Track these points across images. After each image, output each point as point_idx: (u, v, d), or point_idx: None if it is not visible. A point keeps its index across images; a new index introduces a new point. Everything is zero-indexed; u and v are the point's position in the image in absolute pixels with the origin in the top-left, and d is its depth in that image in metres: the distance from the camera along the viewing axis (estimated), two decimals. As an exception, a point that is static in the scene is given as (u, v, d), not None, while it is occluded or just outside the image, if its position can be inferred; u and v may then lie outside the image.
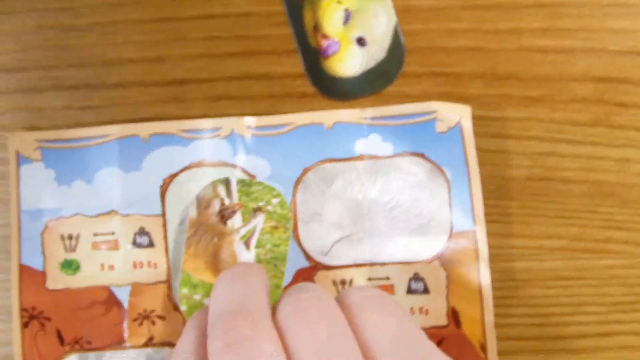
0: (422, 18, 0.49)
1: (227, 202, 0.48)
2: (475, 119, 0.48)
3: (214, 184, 0.48)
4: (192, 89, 0.48)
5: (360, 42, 0.49)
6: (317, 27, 0.49)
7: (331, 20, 0.49)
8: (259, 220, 0.47)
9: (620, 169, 0.48)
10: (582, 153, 0.48)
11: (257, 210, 0.47)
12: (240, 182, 0.48)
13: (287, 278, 0.47)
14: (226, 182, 0.48)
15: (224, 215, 0.48)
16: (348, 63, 0.49)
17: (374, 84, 0.48)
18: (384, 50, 0.49)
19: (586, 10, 0.49)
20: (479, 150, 0.48)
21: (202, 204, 0.48)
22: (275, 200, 0.47)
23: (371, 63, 0.49)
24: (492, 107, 0.48)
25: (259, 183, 0.48)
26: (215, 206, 0.48)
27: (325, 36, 0.49)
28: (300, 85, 0.49)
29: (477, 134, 0.48)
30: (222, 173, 0.48)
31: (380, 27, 0.49)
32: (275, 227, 0.47)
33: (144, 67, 0.49)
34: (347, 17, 0.49)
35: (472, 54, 0.49)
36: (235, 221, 0.48)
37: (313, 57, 0.49)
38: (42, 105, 0.48)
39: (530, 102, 0.48)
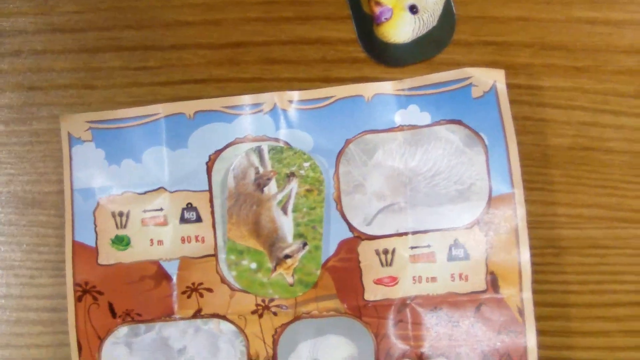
0: (472, -13, 0.50)
1: (261, 170, 0.49)
2: (522, 87, 0.49)
3: (247, 154, 0.49)
4: (247, 51, 0.49)
5: (413, 9, 0.49)
6: (370, -6, 0.50)
7: (383, -13, 0.49)
8: (293, 185, 0.49)
9: (662, 141, 0.49)
10: (625, 124, 0.49)
11: (291, 175, 0.49)
12: (272, 149, 0.49)
13: (331, 248, 0.49)
14: (259, 151, 0.49)
15: (260, 183, 0.49)
16: (400, 30, 0.49)
17: (425, 51, 0.49)
18: (436, 18, 0.49)
19: (635, -17, 0.49)
20: (524, 118, 0.49)
21: (239, 174, 0.49)
22: (306, 164, 0.48)
23: (423, 30, 0.49)
24: (539, 77, 0.49)
25: (290, 149, 0.49)
26: (251, 175, 0.49)
27: (378, 3, 0.49)
28: (353, 51, 0.49)
29: (522, 103, 0.49)
30: (266, 148, 0.50)
31: (431, -6, 0.49)
32: (309, 190, 0.49)
33: (201, 29, 0.50)
34: (399, -15, 0.49)
35: (521, 23, 0.49)
36: (271, 188, 0.49)
37: (366, 24, 0.50)
38: (99, 65, 0.50)
39: (577, 72, 0.49)
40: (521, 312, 0.47)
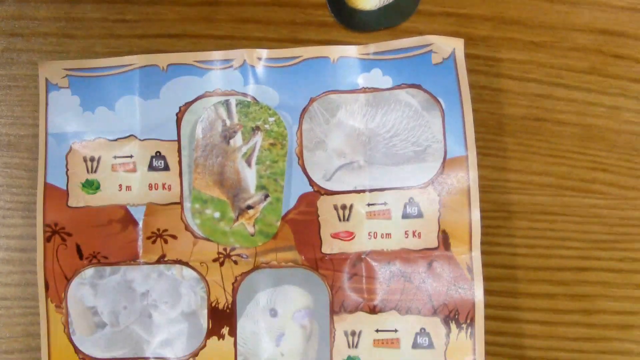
0: (439, -38, 0.52)
1: (228, 123, 0.51)
2: (480, 58, 0.51)
3: (215, 106, 0.51)
4: (220, 10, 0.51)
5: (380, -21, 0.52)
6: (340, -37, 0.52)
7: (354, -42, 0.52)
8: (258, 138, 0.51)
9: (611, 116, 0.51)
10: (576, 98, 0.51)
11: (256, 129, 0.51)
12: (239, 103, 0.51)
13: (292, 201, 0.51)
14: (226, 105, 0.51)
15: (226, 135, 0.51)
16: (367, -2, 0.52)
17: (390, 19, 0.51)
18: (401, -11, 0.52)
19: (593, -34, 0.52)
20: (481, 88, 0.51)
21: (206, 126, 0.51)
22: (271, 119, 0.50)
23: (389, -1, 0.52)
24: (497, 49, 0.51)
25: (256, 104, 0.51)
26: (218, 127, 0.51)
27: (347, -29, 0.52)
28: (322, 15, 0.52)
29: (480, 73, 0.51)
30: (237, 97, 0.52)
31: (399, -33, 0.52)
32: (273, 144, 0.51)
33: (177, -13, 0.52)
34: (369, -44, 0.52)
35: (483, -2, 0.52)
36: (237, 140, 0.51)
37: (334, -10, 0.52)
38: (79, 15, 0.52)
39: (533, 47, 0.51)
40: (470, 269, 0.49)
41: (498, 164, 0.51)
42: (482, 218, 0.50)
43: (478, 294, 0.49)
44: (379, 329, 0.50)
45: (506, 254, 0.51)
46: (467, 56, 0.50)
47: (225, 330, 0.50)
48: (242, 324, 0.50)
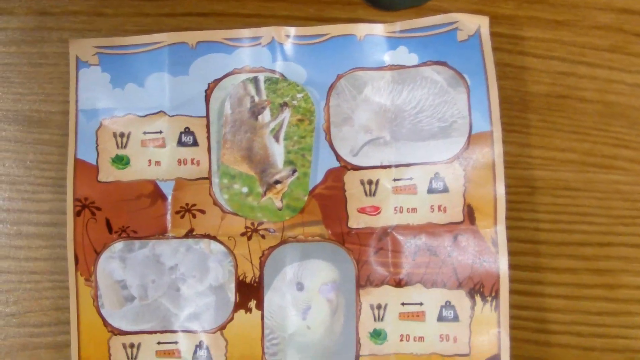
0: (463, -58, 0.53)
1: (256, 99, 0.51)
2: (504, 36, 0.52)
3: (244, 83, 0.51)
4: (247, -12, 0.52)
5: (406, -41, 0.52)
6: (365, -56, 0.52)
7: (379, -62, 0.52)
8: (286, 115, 0.51)
9: (633, 93, 0.52)
10: (599, 76, 0.52)
11: (284, 105, 0.51)
12: (268, 79, 0.51)
13: (319, 176, 0.51)
14: (255, 81, 0.51)
15: (255, 111, 0.51)
16: (393, -23, 0.52)
17: (415, -2, 0.52)
18: (426, -32, 0.52)
19: (615, -54, 0.52)
20: (505, 65, 0.51)
21: (235, 102, 0.51)
22: (299, 95, 0.51)
23: (415, -22, 0.52)
24: (520, 27, 0.52)
25: (284, 80, 0.51)
26: (247, 104, 0.51)
27: (373, -48, 0.52)
28: (348, -6, 0.53)
29: (504, 51, 0.51)
30: (265, 73, 0.52)
31: (424, -53, 0.52)
32: (300, 120, 0.51)
33: (205, -34, 0.53)
34: None
35: (506, -22, 0.52)
36: (265, 116, 0.51)
37: (360, -30, 0.53)
38: (109, -7, 0.53)
39: (556, 25, 0.52)
40: (495, 243, 0.50)
41: (522, 140, 0.51)
42: (506, 193, 0.50)
43: (503, 267, 0.49)
44: (405, 302, 0.50)
45: (530, 229, 0.51)
46: (492, 34, 0.51)
47: (252, 304, 0.51)
48: (269, 298, 0.51)
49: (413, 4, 0.52)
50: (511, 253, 0.50)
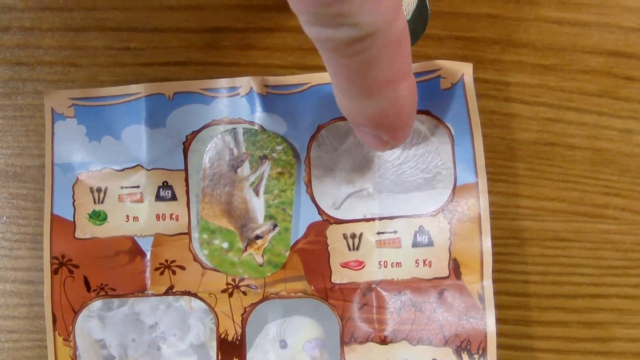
0: (446, -15, 0.50)
1: (235, 152, 0.49)
2: (489, 82, 0.49)
3: (222, 135, 0.49)
4: (226, 37, 0.50)
5: (387, 4, 0.50)
6: (346, -12, 0.50)
7: (360, -18, 0.50)
8: (266, 168, 0.49)
9: (623, 139, 0.49)
10: (587, 121, 0.49)
11: (264, 157, 0.49)
12: (247, 131, 0.49)
13: (301, 231, 0.49)
14: (234, 133, 0.49)
15: (234, 164, 0.49)
16: (373, 23, 0.50)
17: (396, 45, 0.50)
18: (410, 13, 0.50)
19: (603, -13, 0.50)
20: (491, 112, 0.49)
21: (214, 155, 0.49)
22: (279, 147, 0.49)
23: (395, 25, 0.50)
24: (506, 72, 0.49)
25: (264, 132, 0.49)
26: (226, 156, 0.49)
27: (353, -4, 0.50)
28: (327, 41, 0.50)
29: (490, 97, 0.49)
30: (242, 127, 0.50)
31: (406, -9, 0.50)
32: (281, 173, 0.49)
33: (183, 13, 0.50)
34: (376, -20, 0.50)
35: (491, 20, 0.50)
36: (244, 169, 0.49)
37: (341, 16, 0.50)
38: (84, 44, 0.50)
39: (543, 70, 0.50)
40: (482, 298, 0.48)
41: (509, 189, 0.49)
42: (493, 245, 0.48)
43: (490, 324, 0.47)
44: (390, 359, 0.48)
45: (518, 282, 0.49)
46: (476, 80, 0.49)
47: (234, 362, 0.49)
48: (251, 356, 0.49)
49: (395, 50, 0.50)
50: (499, 306, 0.48)
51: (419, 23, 0.50)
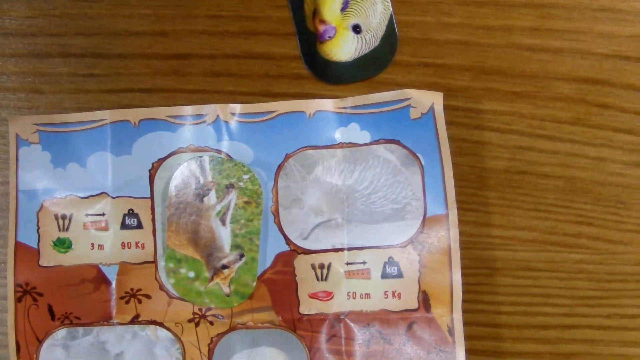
0: (417, 10, 0.47)
1: (201, 180, 0.47)
2: (460, 110, 0.47)
3: (188, 164, 0.46)
4: (192, 63, 0.47)
5: (356, 29, 0.47)
6: (316, 12, 0.48)
7: (330, 7, 0.47)
8: (232, 197, 0.46)
9: (596, 167, 0.47)
10: (560, 149, 0.47)
11: (230, 187, 0.46)
12: (213, 160, 0.46)
13: (268, 261, 0.46)
14: (200, 162, 0.47)
15: (200, 193, 0.47)
16: (343, 48, 0.47)
17: (366, 71, 0.47)
18: (378, 39, 0.47)
19: (576, 13, 0.47)
20: (462, 140, 0.46)
21: (180, 183, 0.46)
22: (245, 177, 0.46)
23: (365, 50, 0.47)
24: (477, 100, 0.47)
25: (230, 160, 0.46)
26: (192, 185, 0.47)
27: (323, 21, 0.47)
28: (296, 68, 0.47)
29: (461, 125, 0.46)
30: (208, 157, 0.47)
31: (376, 16, 0.47)
32: (247, 202, 0.46)
33: (148, 39, 0.47)
34: (345, 5, 0.47)
35: (462, 47, 0.47)
36: (211, 198, 0.46)
37: (310, 41, 0.48)
38: (48, 70, 0.47)
39: (515, 97, 0.47)
40: (451, 331, 0.45)
41: (480, 219, 0.47)
42: (464, 275, 0.45)
43: (460, 358, 0.45)
44: (359, 392, 0.46)
45: (489, 312, 0.46)
46: (447, 108, 0.46)
47: (201, 393, 0.46)
48: (218, 387, 0.46)
49: (363, 77, 0.47)
50: (470, 337, 0.45)
51: (387, 49, 0.47)
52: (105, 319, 0.46)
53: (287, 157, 0.46)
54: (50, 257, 0.47)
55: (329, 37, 0.47)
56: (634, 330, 0.46)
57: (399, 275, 0.46)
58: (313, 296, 0.46)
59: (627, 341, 0.46)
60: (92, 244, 0.47)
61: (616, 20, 0.47)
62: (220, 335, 0.46)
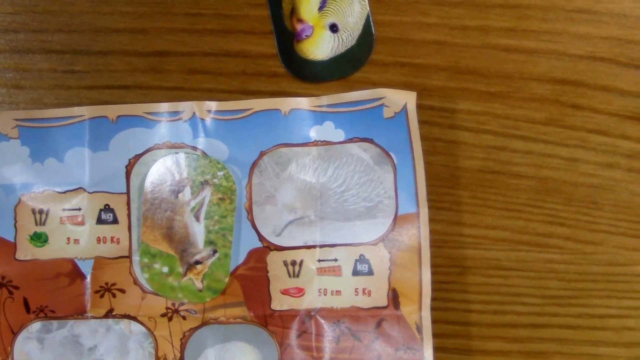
0: (393, 10, 0.47)
1: (176, 177, 0.47)
2: (434, 109, 0.46)
3: (164, 160, 0.46)
4: (170, 61, 0.47)
5: (333, 28, 0.47)
6: (293, 11, 0.47)
7: (307, 5, 0.47)
8: (207, 193, 0.46)
9: (568, 168, 0.46)
10: (533, 150, 0.46)
11: (205, 183, 0.46)
12: (188, 156, 0.46)
13: (241, 257, 0.46)
14: (175, 158, 0.47)
15: (175, 189, 0.47)
16: (319, 47, 0.47)
17: (342, 69, 0.47)
18: (355, 38, 0.47)
19: (551, 14, 0.47)
20: (435, 139, 0.46)
21: (155, 179, 0.46)
22: (220, 173, 0.46)
23: (341, 49, 0.47)
24: (452, 99, 0.46)
25: (205, 157, 0.46)
26: (167, 181, 0.46)
27: (300, 20, 0.47)
28: (273, 66, 0.47)
29: (434, 124, 0.46)
30: (183, 154, 0.47)
31: (353, 15, 0.47)
32: (221, 199, 0.46)
33: (128, 37, 0.47)
34: (323, 4, 0.47)
35: (438, 47, 0.47)
36: (185, 195, 0.46)
37: (287, 40, 0.47)
38: (28, 66, 0.47)
39: (489, 97, 0.46)
40: (419, 329, 0.45)
41: (452, 218, 0.46)
42: (435, 273, 0.45)
43: (427, 355, 0.44)
44: (328, 388, 0.46)
45: (459, 310, 0.46)
46: (422, 107, 0.46)
47: (173, 387, 0.46)
48: (190, 381, 0.46)
49: (339, 75, 0.47)
50: (440, 335, 0.45)
51: (363, 49, 0.47)
52: (79, 313, 0.47)
53: (262, 154, 0.46)
54: (26, 251, 0.47)
55: (306, 35, 0.47)
56: (603, 330, 0.46)
57: (370, 272, 0.45)
58: (285, 292, 0.46)
59: (596, 340, 0.46)
60: (68, 239, 0.47)
61: (591, 22, 0.47)
62: (193, 329, 0.46)
